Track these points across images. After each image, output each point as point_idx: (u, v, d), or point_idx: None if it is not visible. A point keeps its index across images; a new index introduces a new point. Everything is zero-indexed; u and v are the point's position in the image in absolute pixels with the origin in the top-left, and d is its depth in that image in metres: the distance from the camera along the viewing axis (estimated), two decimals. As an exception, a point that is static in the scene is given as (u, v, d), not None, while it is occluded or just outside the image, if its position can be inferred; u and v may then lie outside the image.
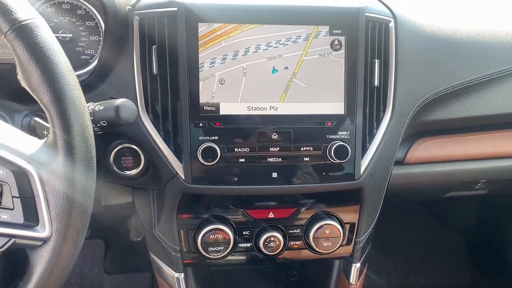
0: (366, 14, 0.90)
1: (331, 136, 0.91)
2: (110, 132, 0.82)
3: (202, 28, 0.86)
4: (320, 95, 0.90)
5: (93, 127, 0.78)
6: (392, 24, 0.95)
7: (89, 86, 0.86)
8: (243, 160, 0.89)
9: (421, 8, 1.08)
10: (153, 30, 0.86)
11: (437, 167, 1.09)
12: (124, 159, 0.91)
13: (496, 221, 1.55)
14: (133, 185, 0.97)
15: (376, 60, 0.93)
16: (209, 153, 0.86)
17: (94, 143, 0.60)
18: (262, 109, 0.89)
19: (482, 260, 1.62)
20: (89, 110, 0.79)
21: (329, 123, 0.91)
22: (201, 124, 0.87)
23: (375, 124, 0.94)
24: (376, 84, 0.94)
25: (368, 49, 0.91)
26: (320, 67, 0.89)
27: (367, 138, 0.94)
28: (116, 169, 0.90)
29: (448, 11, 1.12)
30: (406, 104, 0.97)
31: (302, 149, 0.90)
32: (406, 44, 0.96)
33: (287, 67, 0.89)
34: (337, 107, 0.91)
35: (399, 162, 1.05)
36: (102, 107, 0.72)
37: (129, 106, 0.71)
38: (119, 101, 0.71)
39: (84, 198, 0.58)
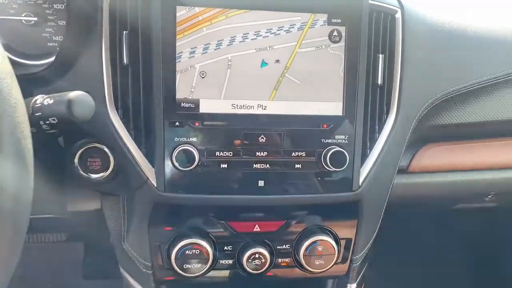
0: (371, 2, 0.82)
1: (327, 141, 0.83)
2: (74, 129, 0.76)
3: (181, 12, 0.78)
4: (316, 93, 0.83)
5: (41, 125, 0.66)
6: (399, 15, 0.88)
7: (51, 77, 0.78)
8: (225, 165, 0.81)
9: (428, 1, 1.01)
10: (125, 13, 0.78)
11: (444, 176, 1.02)
12: (91, 161, 0.84)
13: (509, 236, 1.42)
14: (101, 190, 0.90)
15: (380, 55, 0.86)
16: (185, 157, 0.78)
17: (30, 141, 0.49)
18: (248, 107, 0.81)
19: (493, 281, 1.50)
20: (37, 104, 0.66)
21: (325, 126, 0.83)
22: (177, 123, 0.79)
23: (377, 127, 0.87)
24: (379, 82, 0.87)
25: (371, 42, 0.84)
26: (317, 61, 0.81)
27: (368, 143, 0.86)
28: (82, 172, 0.82)
29: (455, 5, 1.07)
30: (413, 105, 0.90)
31: (293, 154, 0.82)
32: (413, 38, 0.88)
33: (278, 60, 0.81)
34: (334, 107, 0.84)
35: (403, 171, 0.98)
36: (51, 101, 0.59)
37: (85, 100, 0.59)
38: (73, 94, 0.60)
39: (15, 206, 0.45)
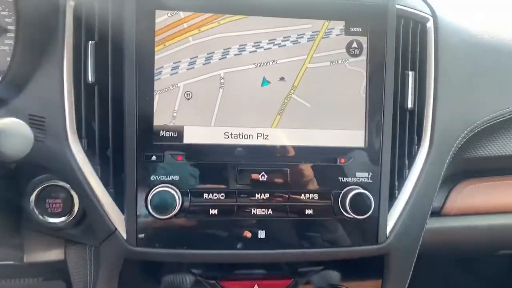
0: (398, 7, 0.73)
1: (345, 179, 0.71)
2: (32, 163, 0.66)
3: (162, 18, 0.68)
4: (331, 120, 0.72)
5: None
6: (430, 24, 0.78)
7: (4, 97, 0.67)
8: (215, 211, 0.68)
9: (463, 10, 0.93)
10: (92, 19, 0.68)
11: (484, 219, 0.90)
12: (50, 202, 0.72)
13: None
14: (64, 238, 0.78)
15: (410, 72, 0.76)
16: (164, 201, 0.66)
17: None
18: (246, 137, 0.70)
19: None
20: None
21: (343, 160, 0.72)
22: (154, 157, 0.67)
23: (406, 161, 0.76)
24: (409, 105, 0.76)
25: (399, 56, 0.74)
26: (331, 80, 0.71)
27: (396, 183, 0.75)
28: (39, 215, 0.71)
29: (491, 16, 0.97)
30: (449, 134, 0.79)
31: (303, 197, 0.70)
32: (449, 52, 0.79)
33: (283, 78, 0.70)
34: (354, 137, 0.72)
35: (435, 213, 0.87)
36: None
37: (17, 132, 0.49)
38: (2, 123, 0.51)
39: None
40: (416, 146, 0.77)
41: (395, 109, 0.74)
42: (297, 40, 0.71)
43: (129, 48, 0.67)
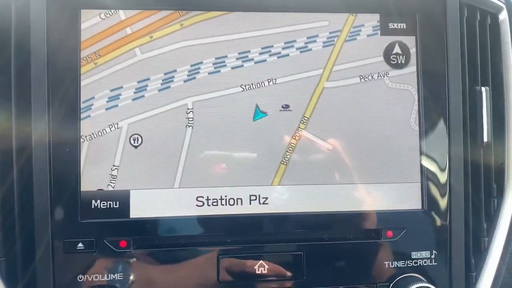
0: None
1: (396, 264, 0.51)
2: None
3: (91, 22, 0.50)
4: (366, 169, 0.53)
5: None
6: (504, 16, 0.60)
7: None
8: None
9: None
10: None
11: None
12: None
13: None
14: None
15: (483, 89, 0.58)
16: None
17: None
18: (231, 202, 0.50)
19: None
20: None
21: (390, 233, 0.52)
22: (81, 245, 0.48)
23: (485, 225, 0.57)
24: (484, 138, 0.58)
25: (465, 64, 0.58)
26: (364, 105, 0.54)
27: (472, 261, 0.56)
28: None
29: None
30: None
31: None
32: None
33: (287, 107, 0.52)
34: (405, 195, 0.53)
35: None
36: None
37: None
38: None
39: None
40: (495, 200, 0.59)
41: (464, 147, 0.57)
42: (306, 46, 0.52)
43: (36, 69, 0.49)
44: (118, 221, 0.49)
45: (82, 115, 0.49)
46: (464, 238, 0.57)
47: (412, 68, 0.54)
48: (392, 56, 0.54)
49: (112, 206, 0.49)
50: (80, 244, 0.49)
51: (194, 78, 0.50)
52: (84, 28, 0.49)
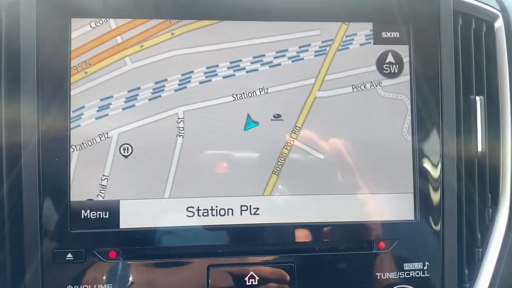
0: None
1: (388, 275, 0.51)
2: None
3: (82, 31, 0.49)
4: (358, 179, 0.52)
5: None
6: (500, 24, 0.60)
7: None
8: None
9: None
10: None
11: None
12: None
13: None
14: None
15: (477, 98, 0.57)
16: None
17: None
18: (222, 212, 0.49)
19: None
20: None
21: (382, 245, 0.51)
22: (70, 255, 0.47)
23: (479, 235, 0.57)
24: (478, 148, 0.57)
25: (459, 73, 0.57)
26: (356, 115, 0.53)
27: (466, 271, 0.55)
28: None
29: None
30: None
31: None
32: None
33: (279, 116, 0.51)
34: (398, 206, 0.53)
35: None
36: None
37: None
38: None
39: None
40: (490, 210, 0.58)
41: (458, 156, 0.56)
42: (298, 56, 0.51)
43: (26, 78, 0.48)
44: (107, 232, 0.49)
45: (72, 125, 0.49)
46: (458, 249, 0.56)
47: (405, 78, 0.53)
48: (385, 65, 0.53)
49: (101, 216, 0.49)
50: (69, 255, 0.48)
51: (185, 87, 0.50)
52: (74, 37, 0.49)
